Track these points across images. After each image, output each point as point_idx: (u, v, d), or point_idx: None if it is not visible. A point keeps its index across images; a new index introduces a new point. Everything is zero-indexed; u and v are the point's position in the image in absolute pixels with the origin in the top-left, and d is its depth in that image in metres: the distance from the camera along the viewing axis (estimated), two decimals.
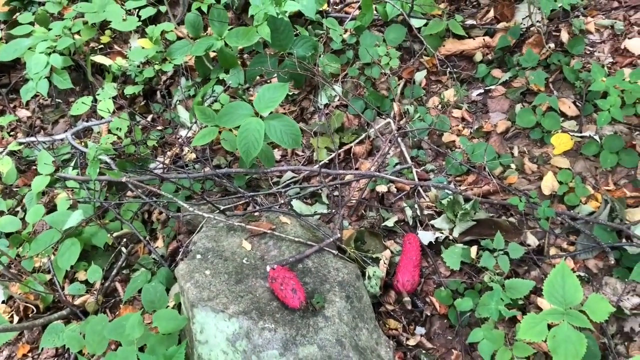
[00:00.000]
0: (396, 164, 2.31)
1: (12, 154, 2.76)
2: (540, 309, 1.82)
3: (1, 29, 3.22)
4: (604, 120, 2.06)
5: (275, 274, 1.70)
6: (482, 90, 2.51)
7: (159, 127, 2.78)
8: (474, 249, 1.96)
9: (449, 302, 1.87)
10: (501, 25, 2.66)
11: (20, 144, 2.67)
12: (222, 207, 2.16)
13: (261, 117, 2.11)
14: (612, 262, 1.84)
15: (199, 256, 1.87)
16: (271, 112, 2.14)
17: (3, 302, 2.35)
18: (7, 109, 3.09)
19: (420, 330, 1.89)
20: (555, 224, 2.04)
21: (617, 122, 2.19)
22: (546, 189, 2.11)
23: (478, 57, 2.60)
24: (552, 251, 1.96)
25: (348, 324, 1.67)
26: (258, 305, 1.68)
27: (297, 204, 2.26)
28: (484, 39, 2.62)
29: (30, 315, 2.26)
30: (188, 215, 2.14)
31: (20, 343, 2.22)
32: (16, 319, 2.27)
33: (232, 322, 1.63)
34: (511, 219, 2.05)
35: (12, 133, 3.06)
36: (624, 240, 1.90)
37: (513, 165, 2.22)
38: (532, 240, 1.98)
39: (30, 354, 2.18)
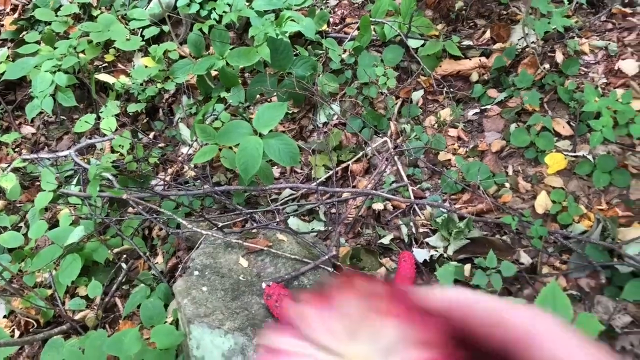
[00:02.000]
0: (392, 182, 2.36)
1: (16, 170, 2.82)
2: None
3: (8, 48, 3.30)
4: (597, 141, 2.10)
5: (270, 291, 1.74)
6: (478, 110, 2.56)
7: (161, 145, 2.84)
8: (467, 267, 1.99)
9: None
10: (497, 45, 2.71)
11: (24, 160, 2.73)
12: (220, 224, 2.20)
13: (260, 135, 2.16)
14: (604, 281, 1.87)
15: (196, 272, 1.91)
16: (270, 131, 2.19)
17: (4, 316, 2.39)
18: (12, 125, 3.15)
19: None
20: (548, 243, 2.07)
21: (609, 142, 2.24)
22: (539, 208, 2.14)
23: (474, 77, 2.65)
24: (545, 270, 1.99)
25: None
26: (254, 321, 1.72)
27: (294, 221, 2.30)
28: (480, 60, 2.68)
29: (30, 330, 2.30)
30: (187, 232, 2.18)
31: (21, 357, 2.25)
32: (17, 333, 2.31)
33: (228, 338, 1.66)
34: (505, 238, 2.09)
35: (16, 149, 3.12)
36: (615, 259, 1.93)
37: (507, 184, 2.26)
38: (526, 259, 2.01)
39: None
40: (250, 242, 2.01)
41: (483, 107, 2.55)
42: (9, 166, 2.92)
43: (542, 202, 2.15)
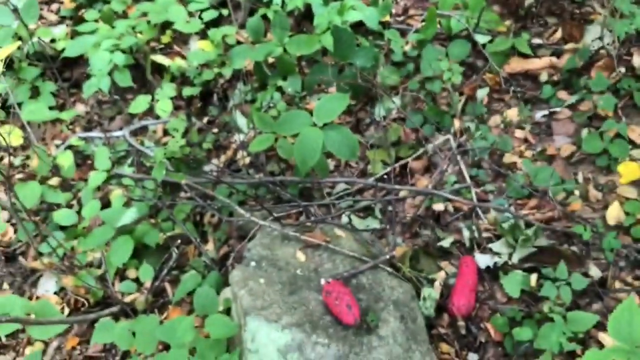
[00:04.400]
0: (454, 182, 2.29)
1: (70, 147, 2.85)
2: (601, 344, 1.77)
3: (67, 25, 3.33)
4: None
5: (330, 288, 1.70)
6: (546, 112, 2.46)
7: (214, 130, 2.82)
8: (534, 277, 1.91)
9: (505, 329, 1.83)
10: (569, 46, 2.60)
11: (80, 139, 2.74)
12: (276, 215, 2.17)
13: (319, 126, 2.11)
14: None
15: (253, 263, 1.89)
16: (329, 123, 2.14)
17: (55, 293, 2.41)
18: (67, 103, 3.18)
19: (473, 356, 1.86)
20: (620, 257, 1.98)
21: None
22: (611, 219, 2.05)
23: (544, 77, 2.55)
24: (617, 285, 1.90)
25: (402, 345, 1.66)
26: (311, 318, 1.68)
27: (351, 217, 2.25)
28: (550, 59, 2.58)
29: (80, 309, 2.32)
30: (241, 220, 2.16)
31: (70, 335, 2.27)
32: (67, 311, 2.33)
33: (285, 333, 1.63)
34: (573, 248, 2.00)
35: (70, 127, 3.15)
36: None
37: (577, 192, 2.16)
38: (595, 272, 1.93)
39: (78, 347, 2.23)
40: (307, 235, 1.98)
41: (552, 110, 2.45)
42: (63, 143, 2.95)
43: (615, 213, 2.06)
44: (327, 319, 1.68)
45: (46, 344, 2.27)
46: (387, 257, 1.90)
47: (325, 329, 1.65)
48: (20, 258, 2.60)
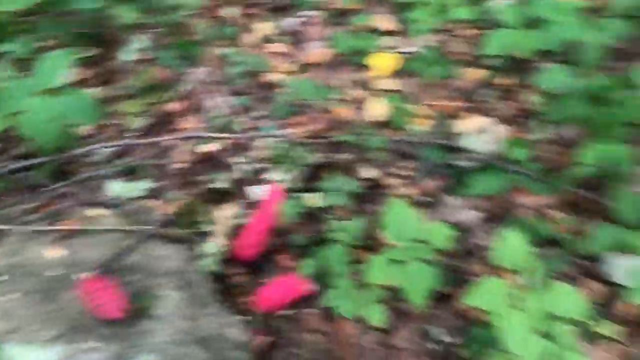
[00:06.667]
0: (220, 116, 2.05)
1: None
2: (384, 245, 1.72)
3: None
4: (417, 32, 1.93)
5: (85, 288, 1.42)
6: (296, 19, 2.27)
7: None
8: (315, 196, 1.77)
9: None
10: None
11: None
12: (26, 206, 1.80)
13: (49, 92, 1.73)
14: (449, 181, 1.78)
15: (6, 277, 1.53)
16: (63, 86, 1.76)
17: None
18: None
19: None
20: (393, 152, 1.91)
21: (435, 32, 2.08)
22: (373, 116, 1.98)
23: None
24: (391, 181, 1.85)
25: (186, 317, 1.46)
26: (75, 324, 1.41)
27: (117, 186, 1.95)
28: None
29: None
30: None
31: None
32: None
33: (48, 350, 1.35)
34: (346, 156, 1.89)
35: None
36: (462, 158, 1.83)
37: (338, 97, 2.05)
38: (371, 174, 1.85)
39: None
40: (60, 224, 1.65)
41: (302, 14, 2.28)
42: None
43: (375, 109, 1.99)
44: (93, 321, 1.42)
45: None
46: (153, 227, 1.64)
47: (94, 331, 1.39)
48: None
